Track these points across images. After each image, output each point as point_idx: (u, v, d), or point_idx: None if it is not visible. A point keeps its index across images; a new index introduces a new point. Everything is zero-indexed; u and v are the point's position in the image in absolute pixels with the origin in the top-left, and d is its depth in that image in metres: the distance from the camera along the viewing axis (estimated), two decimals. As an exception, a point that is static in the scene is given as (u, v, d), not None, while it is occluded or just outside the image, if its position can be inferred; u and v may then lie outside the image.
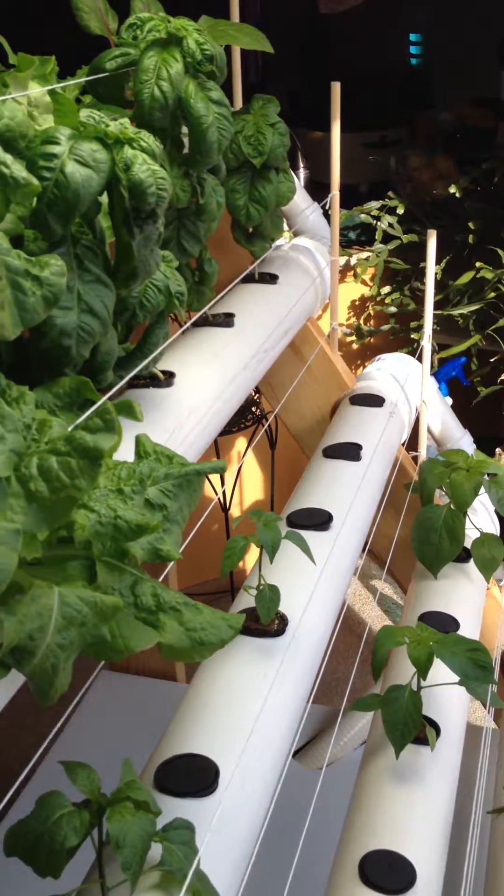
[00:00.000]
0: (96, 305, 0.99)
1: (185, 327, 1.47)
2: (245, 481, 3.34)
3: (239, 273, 1.82)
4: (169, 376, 1.32)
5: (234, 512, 3.24)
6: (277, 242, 2.04)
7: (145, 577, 0.90)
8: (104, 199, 1.01)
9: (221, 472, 0.94)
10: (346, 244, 3.35)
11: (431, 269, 1.79)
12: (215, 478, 3.03)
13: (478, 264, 2.74)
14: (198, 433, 1.29)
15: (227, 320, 1.56)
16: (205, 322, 1.56)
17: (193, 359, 1.42)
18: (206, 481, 3.12)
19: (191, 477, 0.93)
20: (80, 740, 2.08)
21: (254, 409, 2.77)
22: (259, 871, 1.10)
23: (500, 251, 2.69)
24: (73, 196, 0.93)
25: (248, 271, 1.79)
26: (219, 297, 1.52)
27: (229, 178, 1.60)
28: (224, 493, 2.99)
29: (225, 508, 2.94)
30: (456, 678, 1.36)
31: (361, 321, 3.42)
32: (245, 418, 2.69)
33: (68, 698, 0.82)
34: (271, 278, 1.78)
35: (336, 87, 1.89)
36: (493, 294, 2.75)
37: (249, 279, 1.78)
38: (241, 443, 3.20)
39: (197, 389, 1.33)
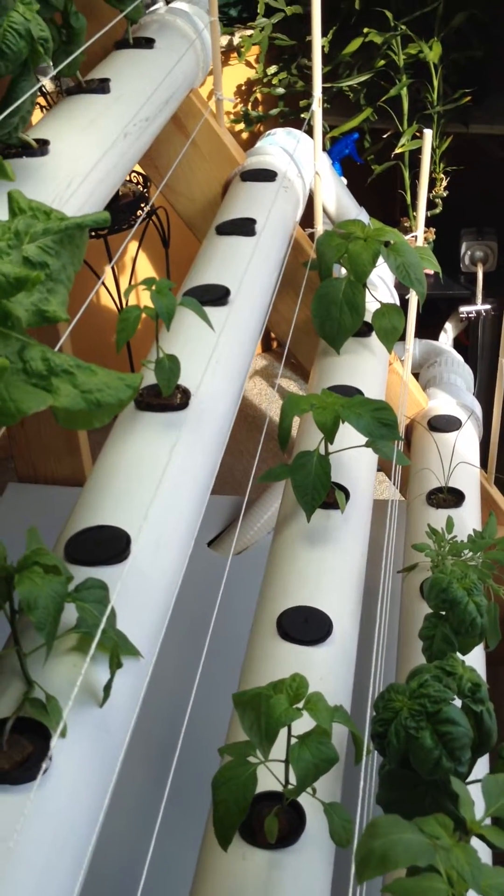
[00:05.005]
0: None
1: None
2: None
3: (113, 40, 1.68)
4: (43, 144, 1.22)
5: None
6: (152, 7, 1.89)
7: (33, 341, 0.84)
8: None
9: (105, 224, 0.87)
10: (228, 22, 3.13)
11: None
12: (110, 284, 2.94)
13: (365, 30, 2.59)
14: (80, 205, 1.20)
15: (101, 86, 1.44)
16: (78, 90, 1.44)
17: (68, 127, 1.32)
18: (103, 287, 3.03)
19: (72, 231, 0.86)
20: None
21: (143, 205, 2.65)
22: (178, 636, 1.11)
23: (387, 13, 2.54)
24: None
25: (123, 36, 1.65)
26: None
27: None
28: (120, 298, 2.90)
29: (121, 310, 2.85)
30: (362, 441, 1.37)
31: (249, 107, 3.25)
32: (134, 214, 2.57)
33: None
34: (147, 42, 1.65)
35: None
36: (382, 62, 2.61)
37: (124, 45, 1.65)
38: (133, 247, 3.07)
39: (75, 158, 1.24)
